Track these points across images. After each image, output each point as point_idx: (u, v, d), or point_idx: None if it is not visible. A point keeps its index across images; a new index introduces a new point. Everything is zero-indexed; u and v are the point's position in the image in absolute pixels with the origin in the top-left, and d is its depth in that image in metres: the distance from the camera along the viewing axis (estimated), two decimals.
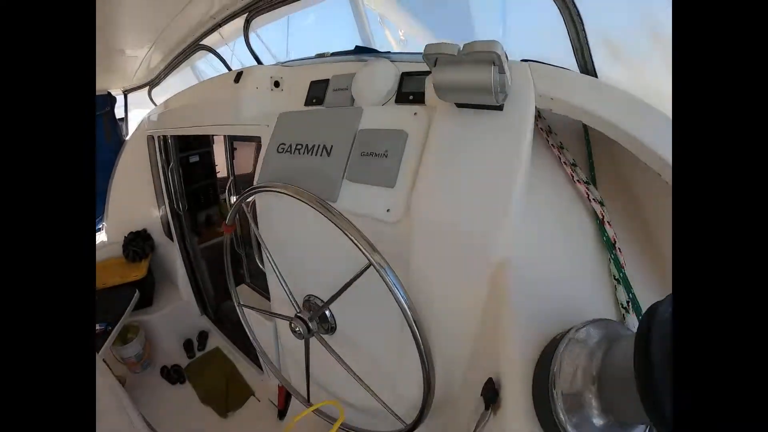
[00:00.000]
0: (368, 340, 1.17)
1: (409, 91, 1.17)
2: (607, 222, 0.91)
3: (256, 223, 1.38)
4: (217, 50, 2.48)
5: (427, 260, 0.90)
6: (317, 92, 1.37)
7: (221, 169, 2.81)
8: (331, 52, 1.50)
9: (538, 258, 0.84)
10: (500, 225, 0.77)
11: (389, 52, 1.28)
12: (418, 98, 1.10)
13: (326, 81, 1.35)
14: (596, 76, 0.97)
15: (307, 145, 1.20)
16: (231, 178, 2.08)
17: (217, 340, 2.89)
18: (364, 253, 0.85)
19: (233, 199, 2.06)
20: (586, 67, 0.99)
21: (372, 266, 0.84)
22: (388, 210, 0.97)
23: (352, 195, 1.05)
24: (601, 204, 0.94)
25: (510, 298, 0.72)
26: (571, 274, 0.86)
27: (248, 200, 1.19)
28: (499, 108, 0.85)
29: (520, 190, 0.78)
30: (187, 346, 2.87)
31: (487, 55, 0.73)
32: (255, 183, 1.29)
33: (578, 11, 0.97)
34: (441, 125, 0.92)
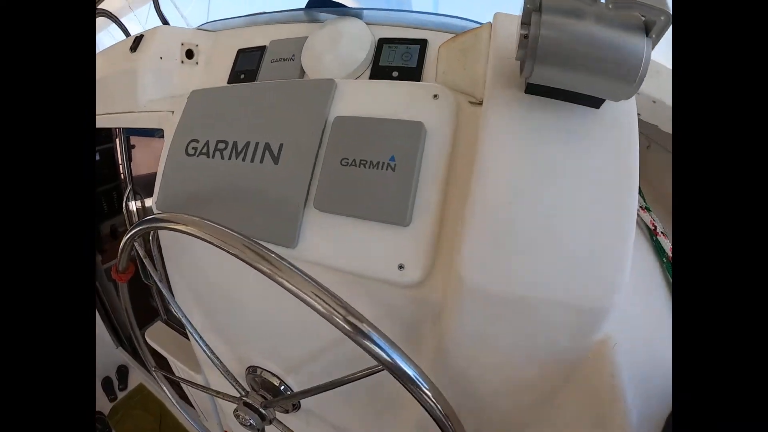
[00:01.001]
0: (346, 419, 0.81)
1: (391, 65, 0.78)
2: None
3: (163, 264, 0.92)
4: (121, 19, 1.93)
5: (474, 341, 0.53)
6: (247, 64, 0.96)
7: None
8: (268, 11, 1.06)
9: (633, 321, 0.53)
10: (617, 287, 0.44)
11: (359, 8, 0.87)
12: (408, 76, 0.76)
13: (261, 49, 0.94)
14: None
15: (235, 144, 0.74)
16: (129, 187, 1.55)
17: (139, 375, 2.38)
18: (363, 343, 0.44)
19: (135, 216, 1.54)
20: None
21: (383, 367, 0.45)
22: (401, 266, 0.56)
23: (324, 237, 0.62)
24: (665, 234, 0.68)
25: (622, 393, 0.45)
26: (656, 328, 0.57)
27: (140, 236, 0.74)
28: (596, 105, 0.49)
29: (633, 232, 0.45)
30: (107, 386, 2.37)
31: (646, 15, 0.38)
32: (153, 203, 0.84)
33: None
34: (500, 121, 0.50)
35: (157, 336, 1.39)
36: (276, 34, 0.96)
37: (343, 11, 0.86)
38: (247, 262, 0.47)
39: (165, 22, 1.40)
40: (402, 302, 0.58)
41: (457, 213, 0.52)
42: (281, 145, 0.68)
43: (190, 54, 1.07)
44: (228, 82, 0.98)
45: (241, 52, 0.99)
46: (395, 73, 0.81)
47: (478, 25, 0.78)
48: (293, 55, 0.90)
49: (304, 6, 0.99)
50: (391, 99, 0.65)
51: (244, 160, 0.71)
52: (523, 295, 0.46)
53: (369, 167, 0.59)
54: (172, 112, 0.89)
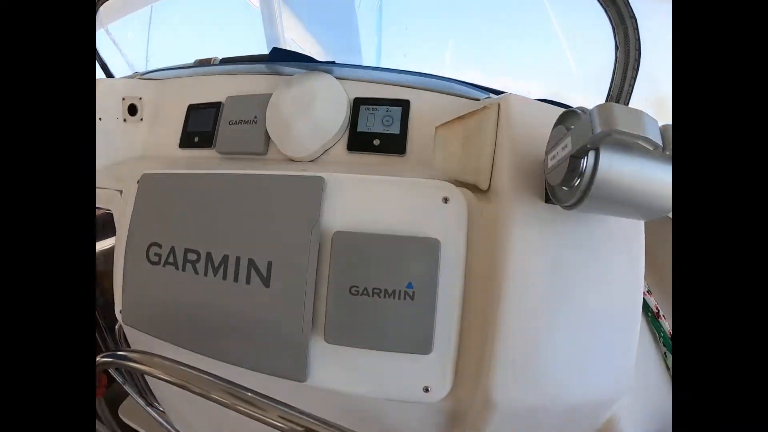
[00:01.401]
0: None
1: (371, 130, 0.69)
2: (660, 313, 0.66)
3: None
4: None
5: None
6: (201, 124, 0.83)
7: None
8: (219, 58, 0.94)
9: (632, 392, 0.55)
10: (628, 375, 0.51)
11: (331, 62, 0.78)
12: (393, 145, 0.71)
13: (216, 106, 0.82)
14: None
15: (209, 257, 0.60)
16: None
17: None
18: None
19: None
20: None
21: None
22: (426, 389, 0.52)
23: (338, 367, 0.55)
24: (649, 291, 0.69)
25: None
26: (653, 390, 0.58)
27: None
28: None
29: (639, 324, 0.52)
30: None
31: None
32: (117, 311, 0.70)
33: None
34: (525, 236, 0.48)
35: (131, 412, 1.22)
36: (232, 88, 0.84)
37: (312, 66, 0.76)
38: (232, 408, 0.48)
39: (107, 71, 1.24)
40: (420, 414, 0.57)
41: (478, 329, 0.51)
42: (269, 263, 0.56)
43: (133, 110, 0.93)
44: (180, 146, 0.85)
45: (193, 109, 0.86)
46: (377, 142, 0.72)
47: (471, 95, 0.71)
48: (255, 117, 0.78)
49: (265, 55, 0.88)
50: (394, 203, 0.55)
51: (225, 278, 0.59)
52: (548, 404, 0.49)
53: (384, 296, 0.52)
54: (120, 192, 0.75)
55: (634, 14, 0.80)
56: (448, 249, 0.53)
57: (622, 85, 0.86)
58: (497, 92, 0.83)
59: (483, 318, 0.50)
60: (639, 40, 0.81)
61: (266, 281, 0.55)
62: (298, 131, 0.70)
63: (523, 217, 0.47)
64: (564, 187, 0.39)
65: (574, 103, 0.85)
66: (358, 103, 0.73)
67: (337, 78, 0.75)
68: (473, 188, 0.55)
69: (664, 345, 0.60)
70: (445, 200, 0.53)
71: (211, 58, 0.95)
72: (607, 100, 0.92)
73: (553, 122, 0.44)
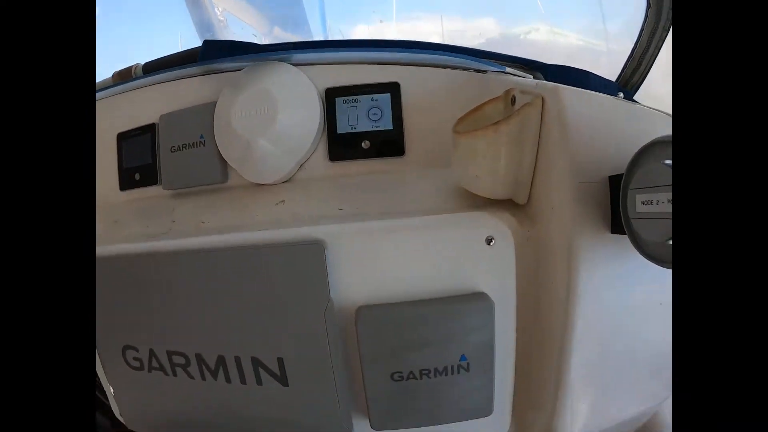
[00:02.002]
0: None
1: (355, 130, 0.53)
2: None
3: None
4: None
5: None
6: (137, 156, 0.66)
7: None
8: (141, 64, 0.75)
9: None
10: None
11: (286, 46, 0.59)
12: (387, 146, 0.56)
13: (150, 129, 0.65)
14: None
15: (201, 359, 0.47)
16: None
17: None
18: None
19: None
20: None
21: None
22: None
23: None
24: None
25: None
26: None
27: None
28: None
29: None
30: None
31: None
32: (117, 414, 0.58)
33: None
34: (589, 270, 0.38)
35: None
36: (165, 101, 0.65)
37: (261, 55, 0.58)
38: None
39: None
40: None
41: (537, 372, 0.45)
42: (280, 360, 0.44)
43: None
44: (121, 188, 0.67)
45: (124, 138, 0.68)
46: (365, 144, 0.56)
47: (474, 66, 0.54)
48: (201, 137, 0.61)
49: (196, 49, 0.69)
50: (422, 252, 0.43)
51: (229, 381, 0.47)
52: (606, 425, 0.47)
53: (434, 375, 0.43)
54: None
55: None
56: (497, 302, 0.42)
57: (647, 48, 0.73)
58: (507, 59, 0.67)
59: (540, 364, 0.44)
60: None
61: (283, 380, 0.45)
62: (260, 151, 0.53)
63: (590, 253, 0.38)
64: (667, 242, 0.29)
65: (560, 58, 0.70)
66: (332, 96, 0.56)
67: (295, 65, 0.56)
68: (509, 204, 0.43)
69: None
70: (489, 241, 0.41)
71: (132, 67, 0.75)
72: (627, 64, 0.77)
73: (617, 124, 0.38)
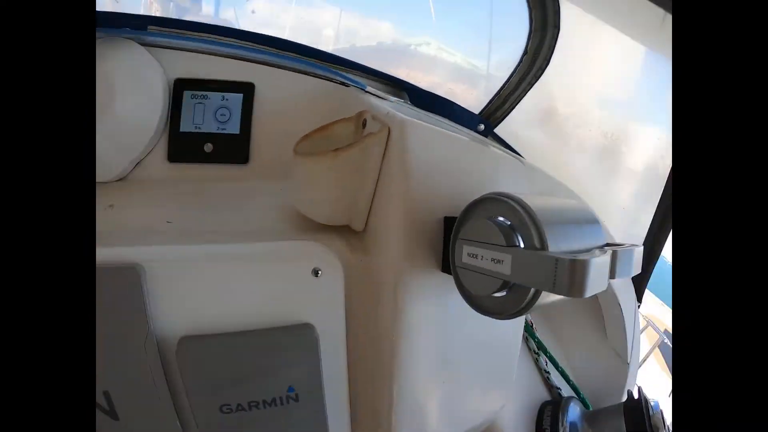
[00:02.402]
0: None
1: (200, 130, 0.48)
2: None
3: None
4: None
5: None
6: None
7: None
8: None
9: None
10: (510, 391, 0.52)
11: (139, 20, 0.51)
12: (230, 152, 0.53)
13: None
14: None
15: None
16: None
17: None
18: None
19: None
20: None
21: None
22: None
23: None
24: None
25: None
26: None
27: None
28: None
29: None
30: None
31: None
32: None
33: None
34: (417, 305, 0.39)
35: None
36: None
37: (108, 32, 0.48)
38: None
39: None
40: None
41: (370, 401, 0.45)
42: (107, 393, 0.39)
43: None
44: None
45: None
46: (208, 147, 0.50)
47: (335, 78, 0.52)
48: None
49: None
50: (247, 282, 0.40)
51: None
52: None
53: (263, 407, 0.41)
54: None
55: (559, 24, 0.69)
56: (325, 333, 0.41)
57: (514, 90, 0.76)
58: (379, 75, 0.66)
59: (374, 391, 0.43)
60: (552, 51, 0.71)
61: (112, 414, 0.40)
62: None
63: (417, 288, 0.38)
64: (493, 295, 0.30)
65: (444, 89, 0.72)
66: (180, 88, 0.49)
67: (147, 47, 0.48)
68: (344, 229, 0.42)
69: (538, 347, 0.63)
70: (316, 272, 0.39)
71: None
72: (492, 100, 0.80)
73: (462, 166, 0.38)
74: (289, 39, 0.60)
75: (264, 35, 0.60)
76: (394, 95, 0.67)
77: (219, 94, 0.50)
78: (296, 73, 0.52)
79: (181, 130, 0.49)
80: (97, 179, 0.49)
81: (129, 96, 0.46)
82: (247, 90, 0.50)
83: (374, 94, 0.51)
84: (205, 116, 0.50)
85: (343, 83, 0.54)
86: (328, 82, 0.53)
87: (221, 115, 0.50)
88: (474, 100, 0.84)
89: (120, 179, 0.50)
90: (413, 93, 0.65)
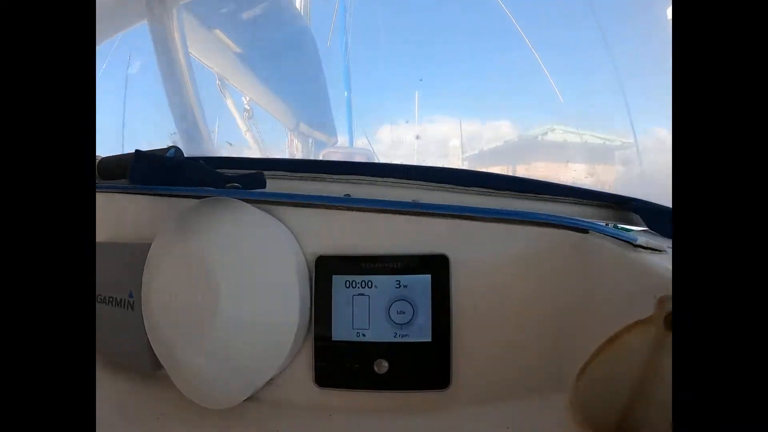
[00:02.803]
0: None
1: (363, 339, 0.37)
2: None
3: None
4: None
5: None
6: None
7: None
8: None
9: None
10: None
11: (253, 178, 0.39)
12: (415, 375, 0.36)
13: None
14: None
15: None
16: None
17: None
18: None
19: None
20: None
21: None
22: None
23: None
24: None
25: None
26: None
27: None
28: None
29: None
30: None
31: None
32: None
33: None
34: None
35: None
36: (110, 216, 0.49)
37: (210, 192, 0.39)
38: None
39: None
40: None
41: None
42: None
43: None
44: None
45: None
46: (381, 365, 0.35)
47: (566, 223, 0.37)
48: (131, 295, 0.43)
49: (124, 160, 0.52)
50: None
51: None
52: None
53: None
54: None
55: None
56: None
57: None
58: (593, 195, 0.46)
59: None
60: None
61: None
62: (189, 368, 0.29)
63: None
64: None
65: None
66: (326, 271, 0.33)
67: (263, 204, 0.37)
68: None
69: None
70: None
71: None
72: None
73: None
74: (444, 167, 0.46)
75: (421, 167, 0.45)
76: (618, 218, 0.50)
77: (392, 279, 0.32)
78: (505, 224, 0.33)
79: (334, 338, 0.33)
80: (210, 404, 0.34)
81: (244, 293, 0.33)
82: (437, 266, 0.32)
83: (643, 247, 0.31)
84: (372, 316, 0.32)
85: (579, 229, 0.34)
86: (556, 229, 0.33)
87: (399, 313, 0.31)
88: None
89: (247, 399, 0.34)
90: (644, 212, 0.47)
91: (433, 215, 0.35)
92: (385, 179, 0.50)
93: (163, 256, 0.36)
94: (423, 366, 0.34)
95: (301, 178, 0.53)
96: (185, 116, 0.98)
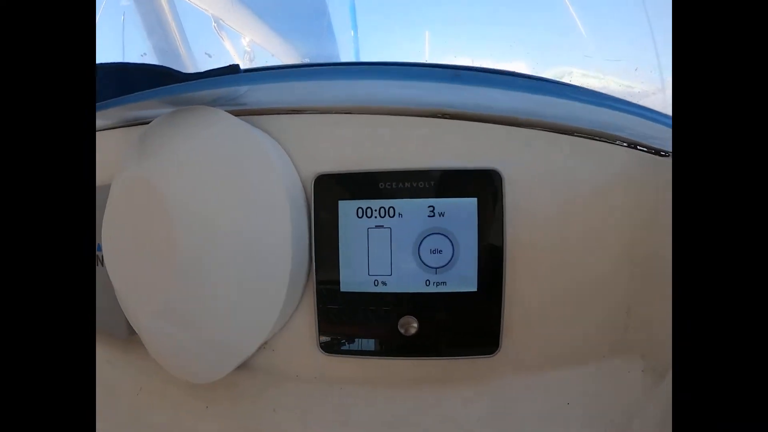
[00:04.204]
0: None
1: (383, 289, 0.28)
2: None
3: None
4: None
5: None
6: None
7: None
8: None
9: None
10: None
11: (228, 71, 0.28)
12: (449, 336, 0.28)
13: None
14: None
15: None
16: None
17: None
18: None
19: None
20: None
21: None
22: None
23: None
24: None
25: None
26: None
27: None
28: None
29: None
30: None
31: None
32: None
33: None
34: None
35: None
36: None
37: (168, 90, 0.29)
38: None
39: None
40: None
41: None
42: None
43: None
44: None
45: None
46: (408, 324, 0.26)
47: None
48: (100, 248, 0.37)
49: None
50: None
51: None
52: None
53: None
54: None
55: None
56: None
57: None
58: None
59: None
60: None
61: None
62: (151, 331, 0.22)
63: None
64: None
65: None
66: (328, 195, 0.27)
67: (248, 115, 0.28)
68: None
69: None
70: None
71: None
72: None
73: None
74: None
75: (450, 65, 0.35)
76: None
77: (423, 204, 0.23)
78: (573, 136, 0.24)
79: (343, 289, 0.24)
80: (191, 378, 0.28)
81: (219, 224, 0.25)
82: (484, 187, 0.23)
83: None
84: (396, 257, 0.23)
85: (656, 152, 0.28)
86: (632, 150, 0.28)
87: (433, 252, 0.23)
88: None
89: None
90: None
91: (480, 118, 0.26)
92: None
93: (114, 193, 0.28)
94: (465, 325, 0.26)
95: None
96: (154, 30, 0.91)
